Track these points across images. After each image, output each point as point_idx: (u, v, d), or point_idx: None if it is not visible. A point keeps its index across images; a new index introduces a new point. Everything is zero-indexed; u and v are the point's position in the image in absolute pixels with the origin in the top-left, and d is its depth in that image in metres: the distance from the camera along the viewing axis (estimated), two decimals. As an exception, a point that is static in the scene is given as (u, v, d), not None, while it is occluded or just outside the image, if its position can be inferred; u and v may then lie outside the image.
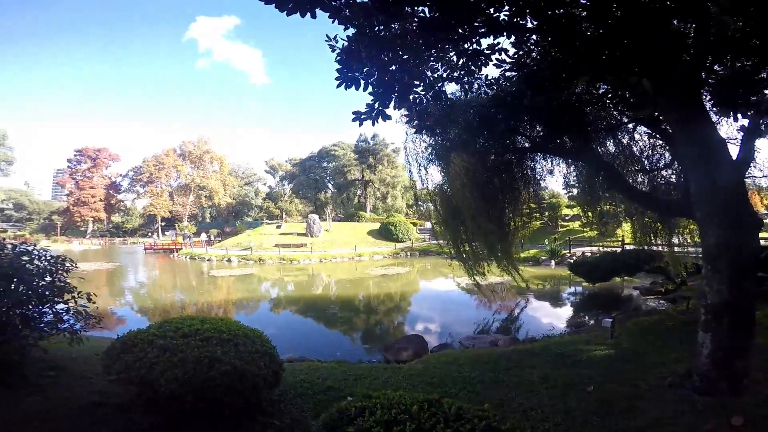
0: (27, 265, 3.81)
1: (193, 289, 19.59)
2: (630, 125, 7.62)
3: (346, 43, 3.94)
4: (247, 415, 3.51)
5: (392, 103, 4.38)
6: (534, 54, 5.32)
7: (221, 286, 20.22)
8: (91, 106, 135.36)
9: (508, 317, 12.66)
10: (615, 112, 7.26)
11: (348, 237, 38.87)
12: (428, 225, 44.22)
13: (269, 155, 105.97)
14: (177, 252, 36.98)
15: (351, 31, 3.83)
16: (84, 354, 4.81)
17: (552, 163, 8.27)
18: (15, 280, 3.63)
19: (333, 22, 3.64)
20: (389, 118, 4.23)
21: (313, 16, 3.51)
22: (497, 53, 4.48)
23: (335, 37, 3.93)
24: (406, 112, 6.10)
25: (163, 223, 68.36)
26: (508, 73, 5.87)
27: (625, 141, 7.97)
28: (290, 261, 29.20)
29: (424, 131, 6.67)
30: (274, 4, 3.33)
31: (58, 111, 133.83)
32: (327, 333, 11.74)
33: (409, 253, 34.61)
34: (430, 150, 7.10)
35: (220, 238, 48.58)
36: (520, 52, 5.17)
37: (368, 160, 63.37)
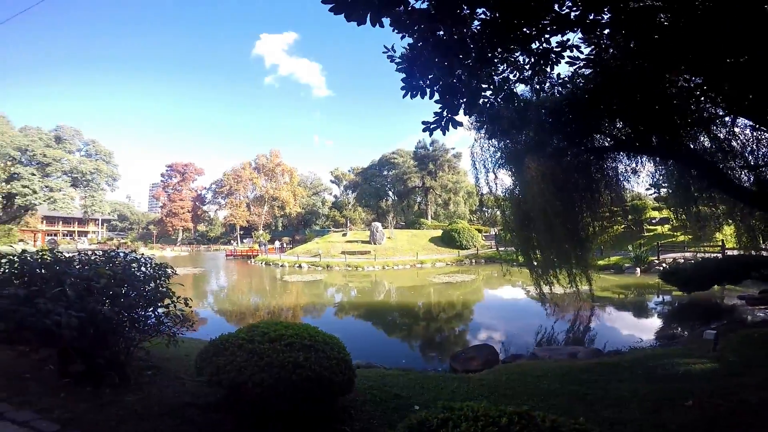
0: (136, 272, 4.21)
1: (269, 292, 20.89)
2: (727, 118, 6.70)
3: (406, 52, 3.93)
4: (323, 420, 3.58)
5: (461, 110, 4.28)
6: (611, 49, 4.90)
7: (293, 290, 21.26)
8: (175, 124, 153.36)
9: (583, 328, 11.71)
10: (709, 105, 6.43)
11: (409, 244, 38.84)
12: (494, 231, 42.90)
13: (334, 165, 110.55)
14: (254, 258, 39.92)
15: (408, 39, 3.82)
16: (176, 355, 5.12)
17: (636, 162, 7.54)
18: (126, 285, 4.03)
19: (394, 31, 3.66)
20: (460, 124, 4.13)
21: (381, 25, 3.56)
22: (568, 50, 4.19)
23: (392, 47, 3.93)
24: (476, 117, 5.97)
25: (241, 232, 74.07)
26: (582, 71, 5.48)
27: (722, 135, 7.01)
28: (355, 268, 29.90)
29: (493, 135, 6.47)
30: (344, 14, 3.41)
31: (148, 128, 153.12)
32: (390, 340, 11.73)
33: (473, 261, 33.62)
34: (499, 154, 6.86)
35: (291, 246, 51.34)
36: (597, 49, 4.79)
37: (428, 166, 63.09)
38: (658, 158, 7.10)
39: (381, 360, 7.86)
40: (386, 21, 3.52)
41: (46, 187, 57.43)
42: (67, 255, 4.16)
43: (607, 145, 7.01)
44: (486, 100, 4.55)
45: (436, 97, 4.08)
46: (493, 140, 6.73)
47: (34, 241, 35.58)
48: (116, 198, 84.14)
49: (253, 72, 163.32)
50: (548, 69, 4.46)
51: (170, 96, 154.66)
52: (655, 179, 8.28)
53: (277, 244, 52.91)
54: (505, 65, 4.66)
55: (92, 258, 4.16)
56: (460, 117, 4.24)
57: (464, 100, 4.22)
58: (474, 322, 13.96)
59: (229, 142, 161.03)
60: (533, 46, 4.16)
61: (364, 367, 6.95)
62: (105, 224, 78.63)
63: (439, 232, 42.69)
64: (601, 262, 17.84)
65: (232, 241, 70.75)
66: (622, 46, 4.72)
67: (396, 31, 3.65)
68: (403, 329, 12.86)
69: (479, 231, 42.98)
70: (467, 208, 66.36)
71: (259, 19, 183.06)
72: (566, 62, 4.41)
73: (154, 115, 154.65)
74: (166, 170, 78.57)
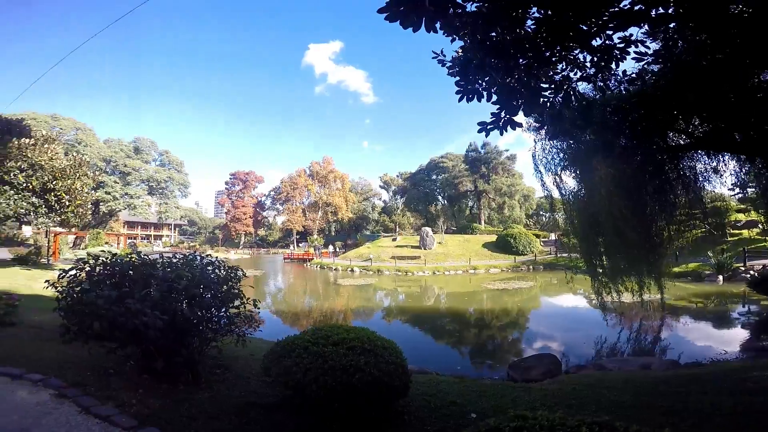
0: (211, 274, 4.47)
1: (324, 295, 21.59)
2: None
3: (459, 55, 3.89)
4: (378, 423, 3.59)
5: (520, 110, 4.15)
6: (680, 42, 4.48)
7: (346, 293, 21.74)
8: (236, 134, 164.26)
9: (653, 339, 10.83)
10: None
11: (461, 249, 38.06)
12: (554, 237, 40.77)
13: (383, 171, 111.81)
14: (309, 261, 41.46)
15: (459, 43, 3.77)
16: (243, 354, 5.32)
17: (717, 161, 6.82)
18: (203, 287, 4.30)
19: (444, 35, 3.62)
20: (519, 125, 4.00)
21: (435, 31, 3.56)
22: (633, 46, 3.89)
23: (442, 51, 3.90)
24: (535, 118, 5.75)
25: (297, 236, 77.17)
26: (651, 66, 5.07)
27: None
28: (405, 272, 29.91)
29: (555, 136, 6.18)
30: (399, 21, 3.45)
31: (212, 139, 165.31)
32: (441, 346, 11.54)
33: (531, 267, 32.20)
34: (562, 155, 6.52)
35: (343, 250, 52.60)
36: (665, 43, 4.40)
37: (480, 169, 61.37)
38: (743, 156, 6.37)
39: (433, 366, 7.77)
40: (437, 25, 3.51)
41: (127, 194, 64.37)
42: (151, 257, 4.58)
43: (682, 143, 6.41)
44: (546, 100, 4.36)
45: (493, 98, 4.01)
46: (554, 141, 6.42)
47: (117, 243, 39.77)
48: (187, 204, 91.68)
49: (305, 81, 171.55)
50: (614, 65, 4.18)
51: (231, 108, 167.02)
52: (739, 179, 7.43)
53: (330, 248, 54.41)
54: (564, 63, 4.44)
55: (173, 260, 4.53)
56: (519, 117, 4.12)
57: (522, 100, 4.09)
58: (530, 330, 13.40)
59: (285, 151, 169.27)
60: (594, 43, 3.93)
61: (418, 372, 6.90)
62: (177, 229, 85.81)
63: (493, 237, 41.50)
64: (676, 269, 16.28)
65: (289, 245, 73.87)
66: (694, 39, 4.31)
67: (446, 35, 3.60)
68: (455, 335, 12.63)
69: (537, 236, 41.11)
70: (523, 212, 63.65)
71: (306, 30, 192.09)
72: (632, 58, 4.10)
73: (217, 127, 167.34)
74: (230, 178, 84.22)
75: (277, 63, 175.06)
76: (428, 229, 40.58)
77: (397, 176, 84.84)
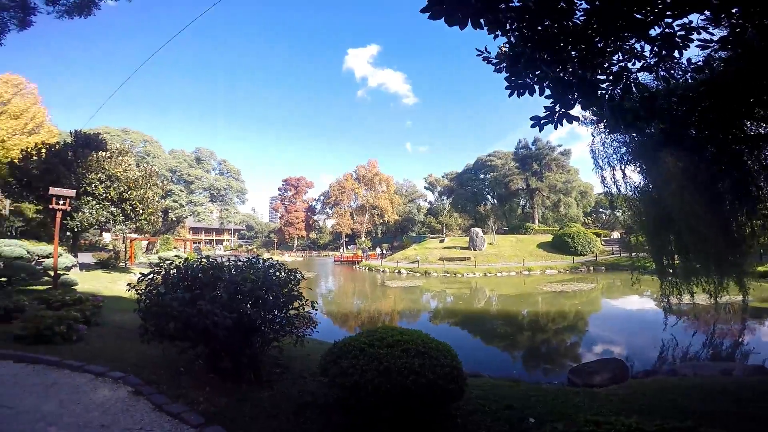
0: (273, 277, 4.67)
1: (373, 297, 21.85)
2: None
3: (507, 51, 3.78)
4: (431, 426, 3.57)
5: (576, 104, 3.96)
6: (749, 29, 3.99)
7: (394, 295, 21.83)
8: (285, 141, 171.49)
9: (733, 343, 9.89)
10: None
11: (514, 250, 36.74)
12: (616, 235, 38.13)
13: (427, 172, 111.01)
14: (358, 264, 42.22)
15: (502, 39, 3.66)
16: (300, 354, 5.47)
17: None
18: (265, 289, 4.49)
19: (488, 32, 3.51)
20: (576, 119, 3.82)
21: (481, 27, 3.47)
22: (695, 33, 3.55)
23: (486, 48, 3.78)
24: (592, 111, 5.44)
25: (346, 239, 78.87)
26: (719, 54, 4.59)
27: None
28: (454, 274, 29.44)
29: (615, 129, 5.80)
30: (443, 19, 3.42)
31: (262, 147, 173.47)
32: (492, 349, 11.22)
33: (591, 268, 30.38)
34: (624, 149, 6.10)
35: (390, 252, 52.91)
36: (736, 30, 3.96)
37: (532, 166, 58.80)
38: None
39: (484, 370, 7.59)
40: (466, 29, 3.45)
41: (191, 202, 69.63)
42: (218, 261, 4.92)
43: (763, 132, 5.76)
44: (604, 92, 4.11)
45: (546, 92, 3.86)
46: (615, 134, 6.01)
47: (184, 248, 43.04)
48: (244, 210, 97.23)
49: (347, 86, 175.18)
50: (676, 54, 3.85)
51: (280, 117, 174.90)
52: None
53: (378, 250, 55.02)
54: (620, 54, 4.16)
55: (238, 263, 4.82)
56: (575, 111, 3.94)
57: (578, 93, 3.90)
58: (590, 334, 12.71)
59: (333, 156, 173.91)
60: (652, 32, 3.65)
61: (470, 375, 6.75)
62: (236, 233, 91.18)
63: (548, 237, 39.69)
64: (761, 268, 14.56)
65: (339, 248, 75.68)
66: (764, 24, 3.85)
67: (489, 32, 3.52)
68: (508, 339, 12.24)
69: (597, 235, 38.73)
70: (581, 209, 60.14)
71: (344, 36, 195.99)
72: (696, 46, 3.75)
73: (269, 136, 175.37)
74: (282, 184, 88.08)
75: (319, 70, 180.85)
76: (478, 230, 39.64)
77: (443, 177, 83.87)
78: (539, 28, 3.58)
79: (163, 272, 4.62)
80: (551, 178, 57.09)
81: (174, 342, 4.59)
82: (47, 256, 13.31)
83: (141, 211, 22.70)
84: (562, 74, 3.81)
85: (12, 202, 35.14)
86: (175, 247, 37.71)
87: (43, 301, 7.63)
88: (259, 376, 4.49)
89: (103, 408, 3.76)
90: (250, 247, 76.83)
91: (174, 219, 64.44)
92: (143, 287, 4.51)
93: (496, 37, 3.68)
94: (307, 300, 4.86)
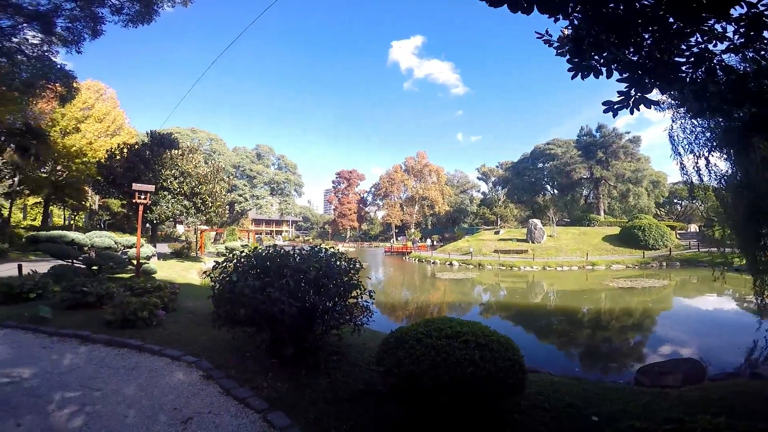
0: (335, 266, 4.78)
1: (423, 288, 21.84)
2: None
3: (567, 34, 3.54)
4: (486, 420, 3.52)
5: (653, 87, 3.63)
6: None
7: (445, 287, 21.59)
8: (337, 136, 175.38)
9: None
10: None
11: (576, 243, 34.68)
12: (693, 228, 34.56)
13: (480, 162, 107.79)
14: (408, 255, 42.31)
15: (563, 22, 3.42)
16: (355, 342, 5.57)
17: None
18: (327, 277, 4.61)
19: (548, 16, 3.30)
20: (654, 103, 3.49)
21: (548, 11, 3.27)
22: None
23: (547, 31, 3.58)
24: (670, 94, 4.95)
25: (396, 230, 79.45)
26: None
27: None
28: (509, 267, 28.48)
29: (698, 114, 5.22)
30: (506, 5, 3.25)
31: (317, 140, 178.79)
32: (548, 346, 10.75)
33: (664, 263, 27.88)
34: (708, 135, 5.47)
35: (441, 243, 52.42)
36: None
37: (596, 154, 54.73)
38: None
39: (539, 367, 7.36)
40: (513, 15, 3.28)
41: (254, 195, 74.13)
42: (284, 250, 5.17)
43: None
44: (684, 75, 3.71)
45: (616, 75, 3.58)
46: (698, 119, 5.39)
47: (248, 238, 45.90)
48: (301, 203, 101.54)
49: (393, 79, 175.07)
50: (766, 34, 3.35)
51: (331, 112, 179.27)
52: None
53: (428, 241, 54.72)
54: (698, 36, 3.71)
55: (302, 252, 5.04)
56: (653, 94, 3.60)
57: (654, 77, 3.57)
58: (657, 334, 11.81)
59: (382, 148, 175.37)
60: (732, 12, 3.20)
61: (529, 371, 6.60)
62: (293, 224, 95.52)
63: (615, 230, 37.04)
64: None
65: (390, 239, 76.45)
66: None
67: (550, 15, 3.33)
68: (566, 336, 11.71)
69: (672, 228, 35.43)
70: (652, 200, 55.18)
71: (387, 28, 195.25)
72: None
73: (321, 131, 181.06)
74: (335, 177, 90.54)
75: (364, 65, 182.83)
76: (536, 221, 37.89)
77: (497, 166, 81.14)
78: (605, 10, 3.33)
79: (235, 261, 4.91)
80: (618, 167, 52.76)
81: (242, 328, 4.90)
82: (131, 247, 14.86)
83: (210, 204, 24.56)
84: (635, 57, 3.51)
85: (101, 198, 39.70)
86: (240, 238, 40.37)
87: (128, 288, 8.29)
88: (317, 363, 4.65)
89: (177, 391, 4.06)
90: (306, 238, 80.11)
91: (239, 211, 69.05)
92: (217, 274, 4.83)
93: (556, 20, 3.45)
94: (365, 289, 4.95)
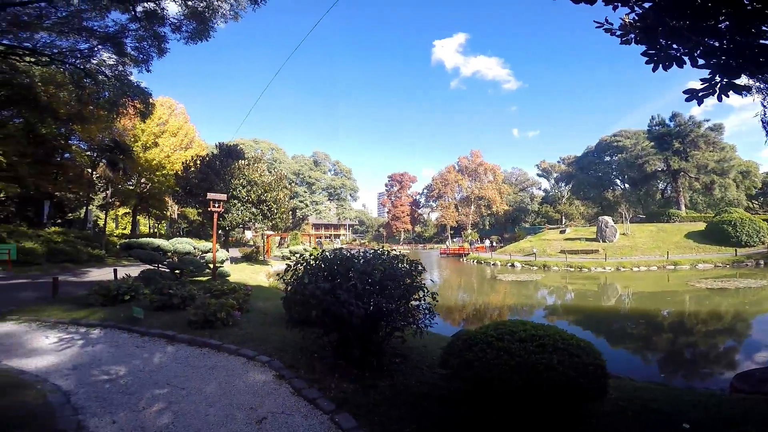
0: (398, 268, 4.78)
1: (485, 290, 21.17)
2: None
3: (634, 23, 3.27)
4: (562, 427, 3.34)
5: (742, 73, 3.25)
6: None
7: (508, 289, 20.74)
8: (388, 140, 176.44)
9: None
10: None
11: (654, 241, 31.66)
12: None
13: (539, 158, 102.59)
14: (465, 256, 41.34)
15: (623, 9, 3.20)
16: (416, 345, 5.55)
17: None
18: (391, 280, 4.62)
19: (606, 5, 3.19)
20: (745, 89, 3.13)
21: (613, 2, 3.18)
22: None
23: (606, 19, 3.33)
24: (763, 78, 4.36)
25: (451, 231, 78.24)
26: None
27: None
28: (579, 268, 26.64)
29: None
30: None
31: (369, 144, 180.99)
32: (625, 353, 9.90)
33: (762, 262, 24.52)
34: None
35: (501, 244, 50.58)
36: None
37: (672, 145, 49.29)
38: None
39: (622, 372, 6.78)
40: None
41: (314, 201, 77.29)
42: (348, 252, 5.27)
43: None
44: None
45: (700, 62, 3.22)
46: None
47: (309, 242, 47.81)
48: (356, 207, 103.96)
49: (439, 79, 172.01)
50: None
51: (381, 116, 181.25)
52: None
53: (486, 242, 53.10)
54: None
55: (366, 255, 5.09)
56: (742, 80, 3.24)
57: (742, 60, 3.18)
58: (753, 339, 10.65)
59: (434, 149, 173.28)
60: None
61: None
62: (350, 228, 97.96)
63: (699, 225, 33.45)
64: None
65: (444, 241, 75.53)
66: None
67: (607, 3, 3.22)
68: (642, 340, 10.79)
69: (768, 222, 31.01)
70: (742, 192, 48.93)
71: (428, 28, 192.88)
72: None
73: (373, 135, 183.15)
74: (388, 180, 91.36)
75: (408, 66, 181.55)
76: (607, 218, 35.14)
77: (559, 162, 76.81)
78: None
79: (305, 263, 5.06)
80: (699, 157, 47.18)
81: (312, 329, 5.04)
82: (207, 252, 16.14)
83: (275, 211, 26.00)
84: (716, 42, 3.18)
85: (179, 207, 43.63)
86: (302, 242, 42.19)
87: (207, 290, 8.89)
88: (381, 365, 4.68)
89: (252, 390, 4.27)
90: (362, 241, 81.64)
91: (300, 217, 72.37)
92: (289, 277, 5.02)
93: (615, 8, 3.30)
94: (428, 291, 4.89)
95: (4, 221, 25.32)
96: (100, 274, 15.55)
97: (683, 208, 48.33)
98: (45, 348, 5.79)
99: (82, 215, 31.97)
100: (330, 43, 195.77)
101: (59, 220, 28.99)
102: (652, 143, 51.71)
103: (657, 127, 52.44)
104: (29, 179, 21.50)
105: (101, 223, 32.99)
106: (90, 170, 29.63)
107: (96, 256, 21.68)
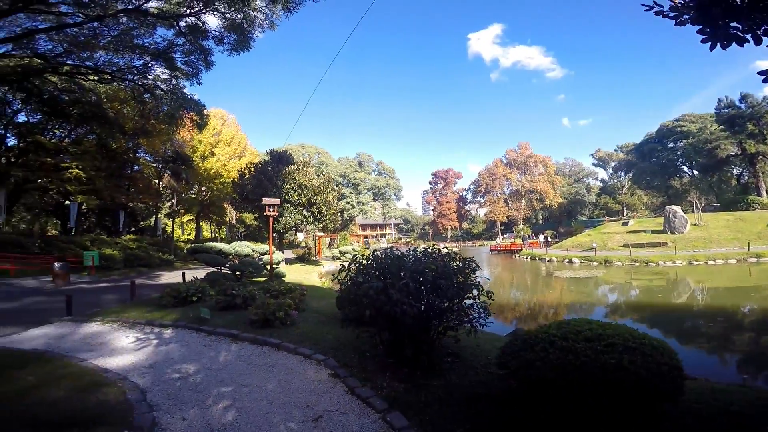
0: (450, 266, 4.71)
1: (542, 288, 20.28)
2: None
3: (683, 2, 3.03)
4: (636, 428, 3.16)
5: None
6: None
7: (568, 287, 19.69)
8: (430, 136, 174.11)
9: None
10: None
11: (731, 232, 28.65)
12: None
13: (593, 147, 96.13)
14: (517, 252, 39.91)
15: None
16: (469, 344, 5.43)
17: None
18: (443, 278, 4.56)
19: None
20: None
21: None
22: None
23: (655, 1, 3.07)
24: None
25: (501, 227, 75.90)
26: None
27: None
28: (645, 263, 24.71)
29: None
30: None
31: (411, 142, 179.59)
32: (693, 352, 9.07)
33: None
34: None
35: (557, 239, 48.23)
36: None
37: (745, 127, 44.07)
38: None
39: (696, 373, 6.22)
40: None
41: (360, 202, 78.62)
42: (401, 251, 5.27)
43: None
44: None
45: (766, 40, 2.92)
46: None
47: (357, 242, 48.71)
48: (401, 206, 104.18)
49: (478, 72, 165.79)
50: None
51: (423, 114, 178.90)
52: None
53: (541, 237, 50.84)
54: None
55: (417, 253, 5.07)
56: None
57: None
58: None
59: (479, 143, 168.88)
60: None
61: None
62: (395, 227, 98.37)
63: (786, 213, 29.54)
64: None
65: (494, 237, 73.40)
66: None
67: None
68: (718, 339, 9.88)
69: None
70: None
71: (460, 21, 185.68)
72: None
73: (415, 133, 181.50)
74: (432, 178, 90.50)
75: (445, 61, 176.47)
76: (675, 208, 32.28)
77: (616, 150, 71.88)
78: None
79: (358, 263, 5.15)
80: (781, 139, 41.86)
81: (365, 328, 5.11)
82: (264, 254, 16.97)
83: (325, 213, 26.74)
84: None
85: (237, 213, 46.25)
86: (350, 242, 43.07)
87: (266, 291, 9.28)
88: (432, 364, 4.63)
89: (309, 389, 4.39)
90: (408, 239, 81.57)
91: (348, 218, 73.88)
92: (343, 276, 5.12)
93: None
94: (483, 290, 4.77)
95: (87, 231, 28.37)
96: (170, 276, 16.89)
97: (765, 194, 43.18)
98: (125, 347, 6.28)
99: (152, 223, 34.99)
100: (359, 47, 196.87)
101: (133, 229, 31.99)
102: (722, 126, 46.93)
103: (726, 110, 47.45)
104: (105, 191, 23.84)
105: (169, 229, 35.86)
106: (156, 181, 32.29)
107: (166, 260, 23.64)
